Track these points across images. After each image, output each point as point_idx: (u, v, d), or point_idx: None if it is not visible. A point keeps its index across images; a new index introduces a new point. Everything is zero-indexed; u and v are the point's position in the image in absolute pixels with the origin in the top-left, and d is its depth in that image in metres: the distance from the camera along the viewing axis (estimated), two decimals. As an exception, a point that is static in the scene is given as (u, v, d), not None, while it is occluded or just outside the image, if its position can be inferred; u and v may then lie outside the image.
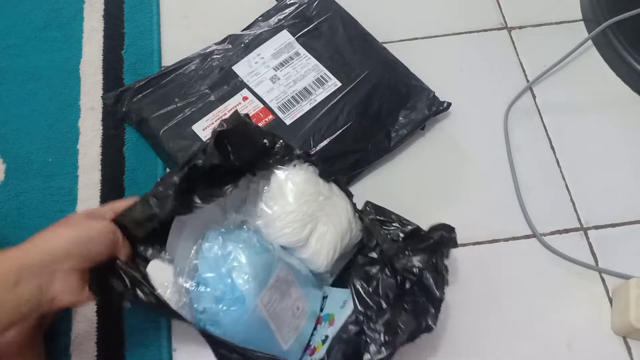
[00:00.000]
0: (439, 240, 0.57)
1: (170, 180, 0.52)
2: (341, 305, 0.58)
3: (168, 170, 0.72)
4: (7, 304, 0.45)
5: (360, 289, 0.56)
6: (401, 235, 0.60)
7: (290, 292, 0.56)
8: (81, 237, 0.49)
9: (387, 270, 0.58)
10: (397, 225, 0.60)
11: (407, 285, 0.56)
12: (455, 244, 0.58)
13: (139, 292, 0.53)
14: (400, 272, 0.56)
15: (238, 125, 0.54)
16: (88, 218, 0.52)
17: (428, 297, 0.54)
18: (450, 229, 0.58)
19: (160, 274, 0.56)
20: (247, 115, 0.57)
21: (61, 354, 0.61)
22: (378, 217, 0.61)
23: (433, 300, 0.54)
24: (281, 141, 0.58)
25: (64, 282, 0.48)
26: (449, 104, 0.74)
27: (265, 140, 0.58)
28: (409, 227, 0.60)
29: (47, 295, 0.47)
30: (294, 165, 0.58)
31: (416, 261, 0.56)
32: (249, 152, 0.56)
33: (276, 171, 0.58)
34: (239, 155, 0.55)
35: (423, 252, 0.57)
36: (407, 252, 0.57)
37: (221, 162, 0.53)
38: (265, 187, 0.58)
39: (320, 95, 0.72)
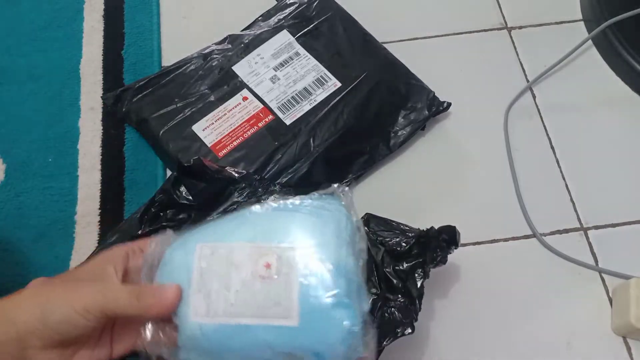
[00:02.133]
0: (441, 242, 0.58)
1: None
2: None
3: (168, 170, 0.72)
4: None
5: None
6: (404, 244, 0.58)
7: None
8: (67, 318, 0.39)
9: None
10: (399, 235, 0.59)
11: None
12: (457, 245, 0.58)
13: None
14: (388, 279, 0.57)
15: (197, 166, 0.57)
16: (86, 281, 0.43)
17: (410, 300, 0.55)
18: (452, 231, 0.58)
19: None
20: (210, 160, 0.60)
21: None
22: (377, 228, 0.59)
23: (412, 300, 0.54)
24: (255, 177, 0.59)
25: (37, 357, 0.39)
26: (449, 104, 0.74)
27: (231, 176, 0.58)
28: (411, 234, 0.59)
29: None
30: (272, 199, 0.58)
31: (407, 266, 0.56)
32: (209, 192, 0.58)
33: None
34: (200, 194, 0.57)
35: (417, 256, 0.57)
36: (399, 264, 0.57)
37: (177, 200, 0.56)
38: None
39: (320, 95, 0.72)
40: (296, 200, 0.43)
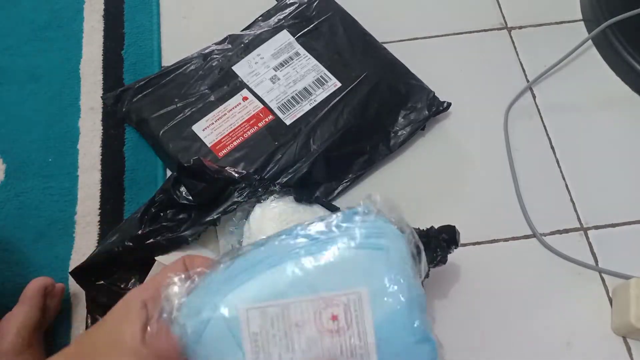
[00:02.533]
0: (441, 241, 0.57)
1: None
2: None
3: (168, 170, 0.72)
4: None
5: None
6: None
7: None
8: None
9: None
10: None
11: None
12: (456, 244, 0.58)
13: None
14: None
15: (197, 166, 0.57)
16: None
17: None
18: (452, 230, 0.58)
19: None
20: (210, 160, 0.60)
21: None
22: None
23: None
24: (255, 177, 0.59)
25: None
26: (449, 104, 0.74)
27: (232, 176, 0.59)
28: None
29: None
30: (272, 199, 0.57)
31: None
32: (209, 192, 0.58)
33: (254, 210, 0.58)
34: (200, 195, 0.57)
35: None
36: None
37: (177, 200, 0.57)
38: (245, 228, 0.57)
39: (320, 95, 0.72)
40: (333, 227, 0.37)
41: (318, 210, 0.60)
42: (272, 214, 0.57)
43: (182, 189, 0.58)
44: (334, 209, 0.62)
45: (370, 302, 0.34)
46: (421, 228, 0.59)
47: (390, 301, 0.35)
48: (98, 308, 0.59)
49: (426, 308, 0.37)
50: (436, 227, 0.58)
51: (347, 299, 0.34)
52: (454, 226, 0.58)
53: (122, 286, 0.58)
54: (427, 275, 0.55)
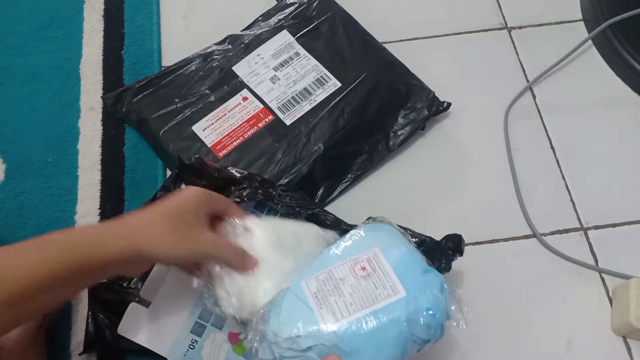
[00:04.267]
0: (447, 250, 0.58)
1: None
2: None
3: (168, 170, 0.72)
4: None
5: None
6: None
7: None
8: (186, 250, 0.49)
9: None
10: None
11: None
12: (461, 253, 0.58)
13: None
14: None
15: (198, 164, 0.58)
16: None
17: None
18: (459, 239, 0.58)
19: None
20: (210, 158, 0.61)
21: (61, 353, 0.61)
22: None
23: None
24: (257, 177, 0.59)
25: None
26: (449, 104, 0.74)
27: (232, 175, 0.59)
28: (416, 240, 0.59)
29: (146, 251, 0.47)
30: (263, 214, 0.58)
31: None
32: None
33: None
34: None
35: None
36: None
37: None
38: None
39: (320, 95, 0.72)
40: (347, 242, 0.54)
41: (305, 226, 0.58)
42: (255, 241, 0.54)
43: (183, 186, 0.58)
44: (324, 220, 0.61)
45: (383, 253, 0.51)
46: (424, 234, 0.60)
47: (399, 251, 0.52)
48: (99, 306, 0.58)
49: (424, 257, 0.52)
50: (437, 227, 0.58)
51: (367, 256, 0.51)
52: (460, 235, 0.58)
53: (124, 284, 0.58)
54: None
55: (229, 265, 0.51)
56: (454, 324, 0.49)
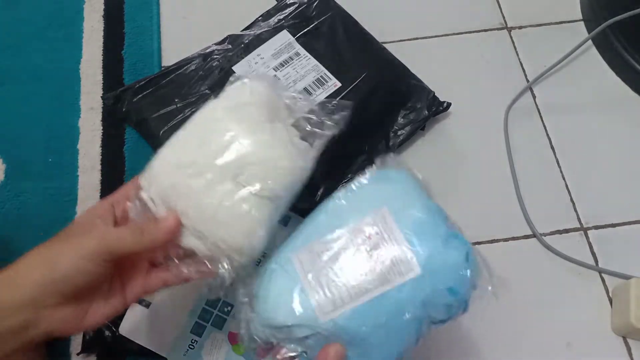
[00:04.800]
0: None
1: None
2: None
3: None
4: None
5: None
6: None
7: None
8: (75, 266, 0.39)
9: None
10: None
11: None
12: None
13: None
14: None
15: None
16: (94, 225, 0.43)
17: None
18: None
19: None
20: None
21: (61, 353, 0.61)
22: None
23: None
24: None
25: (53, 317, 0.40)
26: (449, 104, 0.74)
27: None
28: None
29: (37, 330, 0.40)
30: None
31: None
32: None
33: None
34: None
35: None
36: None
37: None
38: None
39: (320, 95, 0.72)
40: (352, 185, 0.45)
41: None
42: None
43: None
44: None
45: (393, 215, 0.41)
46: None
47: (411, 213, 0.42)
48: None
49: (447, 216, 0.44)
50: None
51: (373, 219, 0.41)
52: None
53: None
54: None
55: (138, 249, 0.42)
56: (481, 298, 0.42)
